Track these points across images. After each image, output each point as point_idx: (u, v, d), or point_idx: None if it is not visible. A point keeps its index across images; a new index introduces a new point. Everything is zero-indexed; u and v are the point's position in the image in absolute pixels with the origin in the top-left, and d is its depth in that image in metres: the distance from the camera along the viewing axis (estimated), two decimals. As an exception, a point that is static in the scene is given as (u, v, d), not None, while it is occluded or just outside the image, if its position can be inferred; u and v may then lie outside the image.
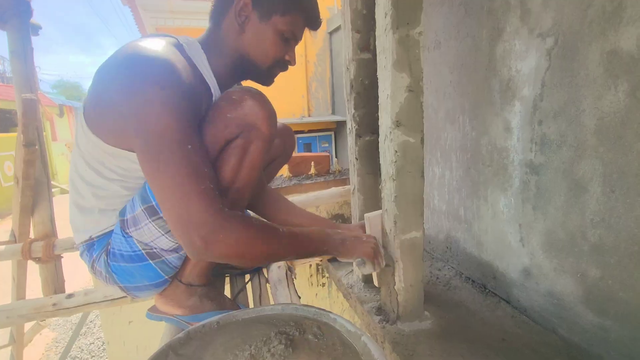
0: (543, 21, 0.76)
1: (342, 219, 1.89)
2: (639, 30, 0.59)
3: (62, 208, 1.52)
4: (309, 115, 5.54)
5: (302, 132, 5.37)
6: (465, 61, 1.01)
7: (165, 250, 0.78)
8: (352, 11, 0.98)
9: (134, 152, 0.70)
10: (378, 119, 0.85)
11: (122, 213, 0.77)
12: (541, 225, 0.82)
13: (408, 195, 0.81)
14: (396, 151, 0.79)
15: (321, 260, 1.34)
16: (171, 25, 4.52)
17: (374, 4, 0.81)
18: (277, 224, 0.71)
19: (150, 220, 0.74)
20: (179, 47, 0.73)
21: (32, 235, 1.69)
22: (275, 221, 1.08)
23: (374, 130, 1.04)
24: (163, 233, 0.75)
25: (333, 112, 5.44)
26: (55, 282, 1.71)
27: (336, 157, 5.54)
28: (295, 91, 5.40)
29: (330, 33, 5.23)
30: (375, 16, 0.81)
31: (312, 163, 2.22)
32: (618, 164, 0.64)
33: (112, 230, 0.80)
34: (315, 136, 5.51)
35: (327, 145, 5.58)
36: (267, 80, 0.86)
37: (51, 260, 1.59)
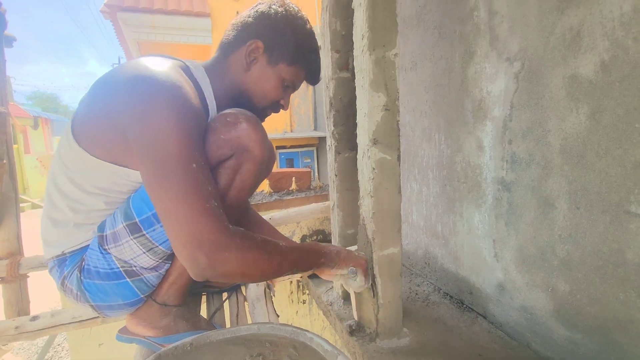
0: (510, 46, 0.80)
1: (322, 234, 1.89)
2: (596, 57, 0.63)
3: (32, 223, 1.46)
4: (292, 131, 5.56)
5: (284, 147, 5.38)
6: (440, 82, 1.05)
7: (145, 269, 0.76)
8: (332, 32, 1.01)
9: (122, 166, 0.70)
10: (357, 136, 0.86)
11: (101, 228, 0.75)
12: (513, 241, 0.84)
13: (385, 212, 0.82)
14: (374, 168, 0.80)
15: (301, 277, 1.33)
16: (153, 40, 4.50)
17: (352, 25, 0.83)
18: (276, 239, 0.71)
19: (131, 237, 0.72)
20: (185, 68, 0.76)
21: (-4, 254, 1.60)
22: None
23: (353, 147, 1.06)
24: (145, 251, 0.73)
25: (315, 128, 5.49)
26: (19, 303, 1.61)
27: (318, 172, 5.56)
28: (277, 107, 5.41)
29: (313, 51, 5.33)
30: (353, 37, 0.84)
31: (293, 179, 2.22)
32: (581, 182, 0.67)
33: (87, 245, 0.77)
34: (298, 151, 5.53)
35: (309, 160, 5.59)
36: (260, 119, 0.91)
37: (16, 280, 1.51)
